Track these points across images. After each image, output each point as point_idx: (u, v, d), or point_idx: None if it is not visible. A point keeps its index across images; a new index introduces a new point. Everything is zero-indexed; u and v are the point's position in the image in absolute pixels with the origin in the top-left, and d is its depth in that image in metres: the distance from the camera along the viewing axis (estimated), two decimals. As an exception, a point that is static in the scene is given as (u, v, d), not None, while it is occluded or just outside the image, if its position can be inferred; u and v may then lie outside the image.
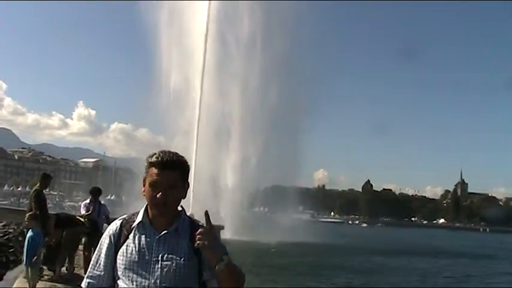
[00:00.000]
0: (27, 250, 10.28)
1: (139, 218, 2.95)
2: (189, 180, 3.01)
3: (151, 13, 59.74)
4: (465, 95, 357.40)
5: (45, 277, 11.69)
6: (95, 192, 13.88)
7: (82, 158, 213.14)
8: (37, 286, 10.27)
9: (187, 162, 3.01)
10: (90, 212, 13.03)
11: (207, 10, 57.15)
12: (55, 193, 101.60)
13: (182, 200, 2.98)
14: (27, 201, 13.53)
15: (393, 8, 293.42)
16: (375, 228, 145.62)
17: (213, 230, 2.82)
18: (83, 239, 12.91)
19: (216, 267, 2.79)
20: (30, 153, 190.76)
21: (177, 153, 2.98)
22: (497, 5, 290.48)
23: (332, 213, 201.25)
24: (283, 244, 43.55)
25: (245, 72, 64.41)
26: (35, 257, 10.23)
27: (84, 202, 14.24)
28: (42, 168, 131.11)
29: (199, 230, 2.81)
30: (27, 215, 10.91)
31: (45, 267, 11.76)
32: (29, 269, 10.21)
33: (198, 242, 2.79)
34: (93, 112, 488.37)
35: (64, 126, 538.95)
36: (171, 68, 61.58)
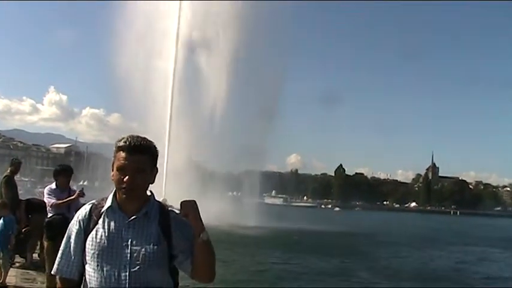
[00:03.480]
0: (3, 238, 10.21)
1: (108, 203, 2.97)
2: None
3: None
4: (435, 81, 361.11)
5: (17, 264, 11.61)
6: (63, 173, 9.33)
7: (54, 144, 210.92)
8: (9, 273, 10.19)
9: (155, 147, 3.03)
10: (62, 200, 8.86)
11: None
12: (26, 179, 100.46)
13: (152, 184, 3.01)
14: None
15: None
16: (351, 212, 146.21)
17: (195, 204, 2.92)
18: (45, 243, 9.39)
19: (200, 235, 2.88)
20: (0, 139, 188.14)
21: (145, 138, 3.00)
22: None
23: (305, 198, 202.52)
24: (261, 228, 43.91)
25: (220, 59, 64.30)
26: (8, 244, 10.18)
27: (48, 187, 9.28)
28: (13, 154, 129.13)
29: (185, 200, 2.91)
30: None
31: (16, 255, 11.67)
32: (1, 256, 10.13)
33: (184, 210, 2.89)
34: (64, 97, 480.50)
35: (35, 111, 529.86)
36: (143, 51, 61.11)
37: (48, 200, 9.03)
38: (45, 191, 9.32)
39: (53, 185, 9.23)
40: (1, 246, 10.13)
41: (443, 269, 30.58)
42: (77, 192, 9.06)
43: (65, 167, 9.88)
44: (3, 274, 9.97)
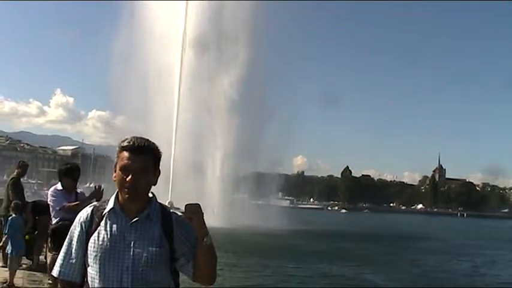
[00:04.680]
0: (12, 239, 10.31)
1: (110, 205, 2.98)
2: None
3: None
4: (443, 83, 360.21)
5: (23, 266, 11.64)
6: (70, 174, 8.30)
7: (60, 146, 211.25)
8: (16, 275, 10.23)
9: (158, 149, 3.05)
10: (75, 202, 7.82)
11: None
12: (33, 181, 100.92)
13: (158, 185, 3.03)
14: (4, 190, 13.21)
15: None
16: (359, 214, 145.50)
17: (199, 208, 2.91)
18: (49, 255, 8.51)
19: (204, 240, 2.89)
20: (7, 141, 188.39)
21: (148, 139, 3.01)
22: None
23: (311, 200, 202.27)
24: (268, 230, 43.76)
25: (225, 61, 64.26)
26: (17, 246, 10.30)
27: (54, 188, 8.29)
28: (20, 156, 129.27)
29: (189, 203, 2.90)
30: (12, 204, 10.87)
31: (23, 256, 11.71)
32: (11, 258, 10.24)
33: (187, 214, 2.88)
34: (71, 99, 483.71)
35: (42, 113, 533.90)
36: (149, 53, 61.01)
37: (55, 203, 8.04)
38: (50, 192, 8.27)
39: (59, 186, 8.21)
40: (14, 247, 10.24)
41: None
42: (95, 191, 8.02)
43: (72, 166, 8.63)
44: (10, 275, 10.04)
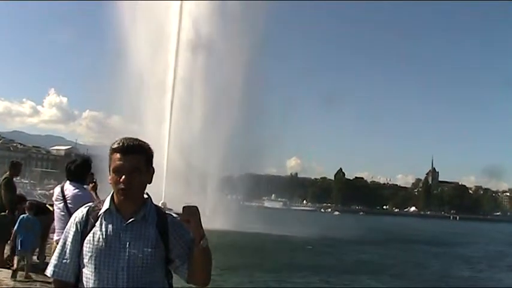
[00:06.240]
0: (24, 239, 10.38)
1: (105, 206, 2.99)
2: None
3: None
4: (436, 86, 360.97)
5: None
6: (90, 167, 7.26)
7: (54, 146, 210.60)
8: (8, 275, 10.22)
9: (150, 148, 3.06)
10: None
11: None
12: (26, 181, 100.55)
13: (150, 186, 3.03)
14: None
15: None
16: (355, 217, 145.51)
17: (197, 211, 2.91)
18: None
19: (200, 242, 2.88)
20: (0, 141, 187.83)
21: (138, 139, 3.04)
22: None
23: (304, 202, 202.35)
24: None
25: (222, 61, 64.32)
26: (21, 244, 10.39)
27: (85, 192, 7.05)
28: (13, 156, 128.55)
29: (187, 205, 2.89)
30: (27, 204, 10.99)
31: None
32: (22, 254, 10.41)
33: (185, 216, 2.87)
34: (64, 99, 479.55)
35: (35, 113, 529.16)
36: (143, 53, 60.96)
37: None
38: (85, 198, 6.41)
39: (83, 187, 7.07)
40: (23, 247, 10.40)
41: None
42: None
43: (86, 159, 7.45)
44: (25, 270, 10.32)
